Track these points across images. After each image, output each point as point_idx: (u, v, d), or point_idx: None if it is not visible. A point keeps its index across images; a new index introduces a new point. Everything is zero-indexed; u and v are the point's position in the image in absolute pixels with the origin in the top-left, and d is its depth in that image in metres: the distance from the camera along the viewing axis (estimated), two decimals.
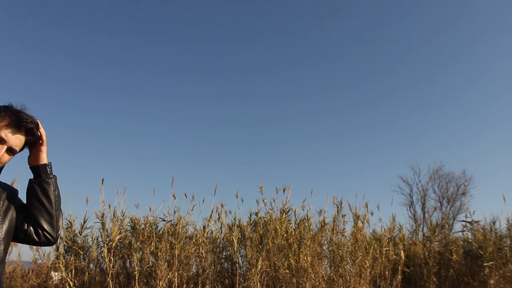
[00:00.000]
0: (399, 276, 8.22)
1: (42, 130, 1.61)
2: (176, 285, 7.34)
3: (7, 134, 1.53)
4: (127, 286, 7.38)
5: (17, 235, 1.60)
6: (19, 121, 1.55)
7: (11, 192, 1.68)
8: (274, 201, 8.15)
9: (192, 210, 7.97)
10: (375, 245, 8.20)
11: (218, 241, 8.02)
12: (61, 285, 7.47)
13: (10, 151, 1.56)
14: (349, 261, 7.99)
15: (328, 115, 31.39)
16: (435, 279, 8.25)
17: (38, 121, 1.62)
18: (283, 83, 30.86)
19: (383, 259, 8.24)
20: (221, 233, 8.11)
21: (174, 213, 7.84)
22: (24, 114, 1.57)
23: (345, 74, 32.62)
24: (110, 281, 7.19)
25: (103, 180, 7.68)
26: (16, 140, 1.56)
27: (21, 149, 1.66)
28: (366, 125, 32.94)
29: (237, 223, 8.05)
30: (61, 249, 7.49)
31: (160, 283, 7.16)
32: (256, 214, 8.14)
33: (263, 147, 27.91)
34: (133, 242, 7.52)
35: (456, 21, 33.64)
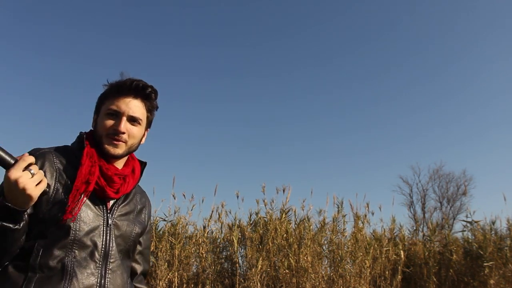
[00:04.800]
0: (399, 276, 8.22)
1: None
2: (176, 285, 7.34)
3: (118, 104, 1.38)
4: None
5: None
6: (127, 84, 1.39)
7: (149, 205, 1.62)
8: (273, 201, 8.17)
9: (192, 210, 7.99)
10: (375, 245, 8.20)
11: (218, 241, 8.02)
12: None
13: (133, 120, 1.40)
14: (349, 261, 8.00)
15: (328, 115, 31.38)
16: (435, 279, 8.25)
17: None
18: (283, 83, 30.86)
19: (383, 259, 8.24)
20: (221, 233, 8.12)
21: (174, 213, 7.86)
22: (128, 78, 1.41)
23: (345, 74, 32.60)
24: None
25: None
26: (134, 107, 1.40)
27: (149, 122, 1.49)
28: (366, 125, 32.91)
29: (237, 223, 8.06)
30: None
31: (160, 283, 7.16)
32: (256, 214, 8.15)
33: (263, 147, 27.92)
34: None
35: (456, 21, 33.64)
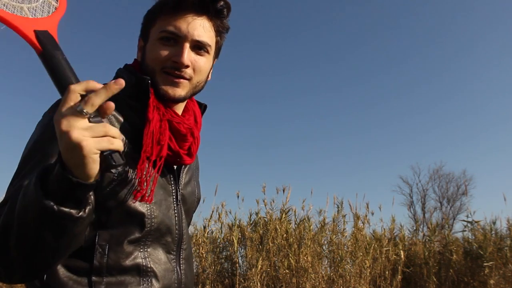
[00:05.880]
0: (399, 276, 8.22)
1: None
2: None
3: (176, 24, 0.97)
4: None
5: None
6: None
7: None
8: (273, 201, 8.17)
9: None
10: (375, 245, 8.20)
11: (218, 241, 8.03)
12: None
13: (199, 48, 1.01)
14: (349, 261, 8.00)
15: (328, 115, 31.43)
16: (435, 279, 8.25)
17: None
18: (284, 83, 30.90)
19: (383, 259, 8.24)
20: (221, 233, 8.13)
21: None
22: None
23: (345, 74, 32.67)
24: None
25: None
26: (200, 28, 0.99)
27: (218, 46, 1.09)
28: (366, 125, 32.97)
29: (237, 223, 8.07)
30: None
31: None
32: (256, 214, 8.16)
33: (263, 147, 27.97)
34: None
35: (456, 21, 33.66)
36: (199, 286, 7.51)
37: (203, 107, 1.15)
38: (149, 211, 0.94)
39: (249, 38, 32.42)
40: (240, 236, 7.80)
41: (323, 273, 7.83)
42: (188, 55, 0.98)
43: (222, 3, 1.01)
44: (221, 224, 8.18)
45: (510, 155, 31.14)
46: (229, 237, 7.93)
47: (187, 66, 0.98)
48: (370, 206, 8.71)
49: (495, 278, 7.97)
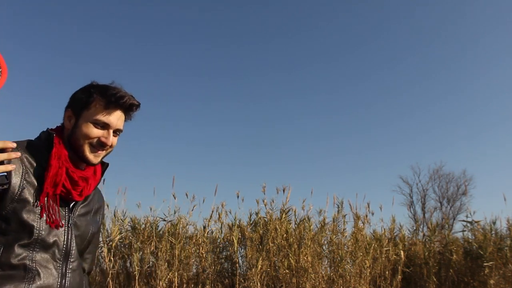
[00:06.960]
0: (399, 276, 8.22)
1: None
2: (176, 285, 7.34)
3: (110, 118, 1.39)
4: (127, 286, 7.39)
5: None
6: (116, 98, 1.39)
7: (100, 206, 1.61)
8: (273, 201, 8.16)
9: (192, 210, 7.99)
10: (375, 245, 8.20)
11: (218, 241, 8.02)
12: None
13: (116, 132, 1.44)
14: (349, 261, 8.00)
15: (328, 115, 31.37)
16: (435, 279, 8.25)
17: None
18: (284, 83, 30.86)
19: (383, 259, 8.24)
20: (221, 233, 8.12)
21: (175, 213, 7.86)
22: (116, 89, 1.41)
23: (345, 74, 32.61)
24: (110, 281, 7.20)
25: (104, 180, 7.68)
26: (121, 120, 1.43)
27: None
28: (366, 125, 32.94)
29: (237, 223, 8.06)
30: None
31: (160, 283, 7.16)
32: (256, 214, 8.15)
33: (263, 147, 27.94)
34: (133, 242, 7.53)
35: (456, 20, 33.64)
36: (199, 286, 7.51)
37: (105, 165, 1.52)
38: (38, 225, 1.27)
39: (250, 37, 32.38)
40: (240, 236, 7.80)
41: (323, 273, 7.83)
42: (112, 138, 1.40)
43: (137, 108, 1.45)
44: (221, 224, 8.17)
45: (510, 155, 31.12)
46: (229, 237, 7.92)
47: (110, 146, 1.40)
48: (370, 206, 8.71)
49: (495, 278, 7.97)
